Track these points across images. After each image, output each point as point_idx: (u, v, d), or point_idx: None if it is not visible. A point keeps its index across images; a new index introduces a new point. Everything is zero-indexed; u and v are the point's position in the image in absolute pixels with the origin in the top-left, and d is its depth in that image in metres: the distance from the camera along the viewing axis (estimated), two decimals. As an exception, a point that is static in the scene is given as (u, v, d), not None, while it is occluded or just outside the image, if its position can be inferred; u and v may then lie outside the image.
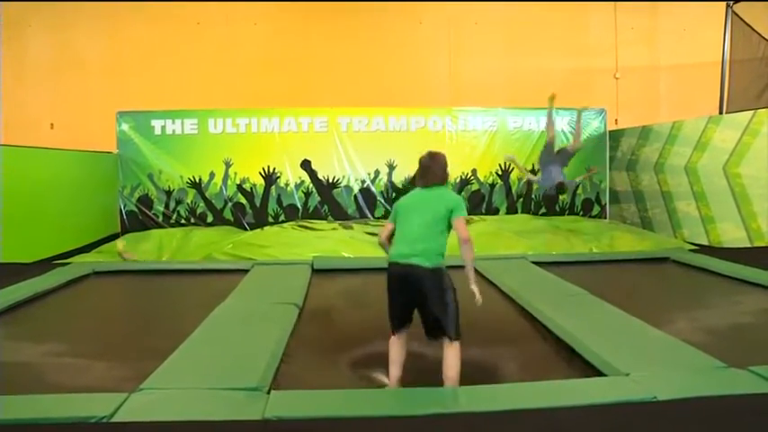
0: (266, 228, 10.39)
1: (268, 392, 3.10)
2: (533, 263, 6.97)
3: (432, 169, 3.73)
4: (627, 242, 8.84)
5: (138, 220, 10.97)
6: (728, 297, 5.32)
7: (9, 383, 3.36)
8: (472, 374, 3.49)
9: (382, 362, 3.73)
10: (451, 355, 3.45)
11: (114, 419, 2.76)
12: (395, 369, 3.63)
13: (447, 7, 12.53)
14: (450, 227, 3.63)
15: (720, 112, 10.01)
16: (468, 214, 11.36)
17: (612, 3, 12.84)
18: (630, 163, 10.91)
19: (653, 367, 3.40)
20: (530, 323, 4.66)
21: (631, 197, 10.91)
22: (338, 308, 5.23)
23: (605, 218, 11.68)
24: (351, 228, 10.03)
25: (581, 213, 11.69)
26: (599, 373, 3.50)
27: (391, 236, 3.76)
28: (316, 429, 2.70)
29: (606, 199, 11.71)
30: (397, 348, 3.65)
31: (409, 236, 3.61)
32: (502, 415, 2.84)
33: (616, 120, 12.40)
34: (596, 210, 11.74)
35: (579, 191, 11.71)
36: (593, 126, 11.68)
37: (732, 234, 8.53)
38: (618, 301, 4.87)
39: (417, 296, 3.54)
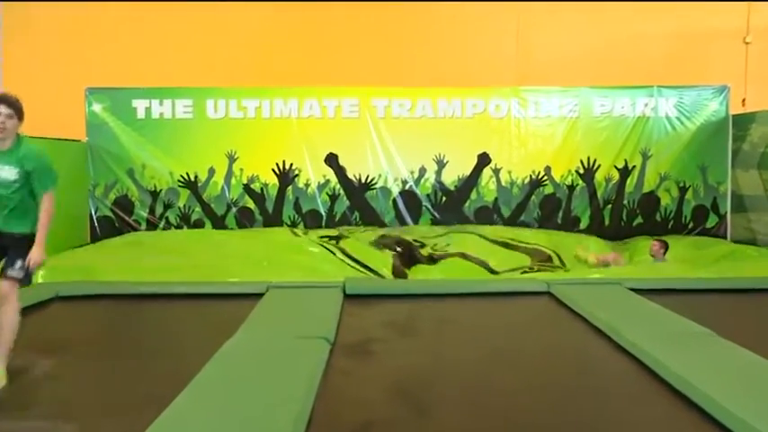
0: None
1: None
2: (631, 290, 6.89)
3: None
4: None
5: (114, 227, 11.07)
6: None
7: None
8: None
9: (443, 414, 3.70)
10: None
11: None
12: None
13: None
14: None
15: None
16: (540, 224, 11.34)
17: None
18: (764, 158, 10.64)
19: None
20: (636, 372, 4.58)
21: (765, 204, 10.57)
22: (380, 343, 5.20)
23: (725, 231, 11.36)
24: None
25: (690, 225, 11.47)
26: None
27: None
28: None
29: (727, 206, 11.41)
30: None
31: None
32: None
33: (743, 100, 12.13)
34: (712, 220, 11.44)
35: (689, 195, 11.45)
36: (710, 108, 11.40)
37: None
38: (750, 342, 4.77)
39: None
